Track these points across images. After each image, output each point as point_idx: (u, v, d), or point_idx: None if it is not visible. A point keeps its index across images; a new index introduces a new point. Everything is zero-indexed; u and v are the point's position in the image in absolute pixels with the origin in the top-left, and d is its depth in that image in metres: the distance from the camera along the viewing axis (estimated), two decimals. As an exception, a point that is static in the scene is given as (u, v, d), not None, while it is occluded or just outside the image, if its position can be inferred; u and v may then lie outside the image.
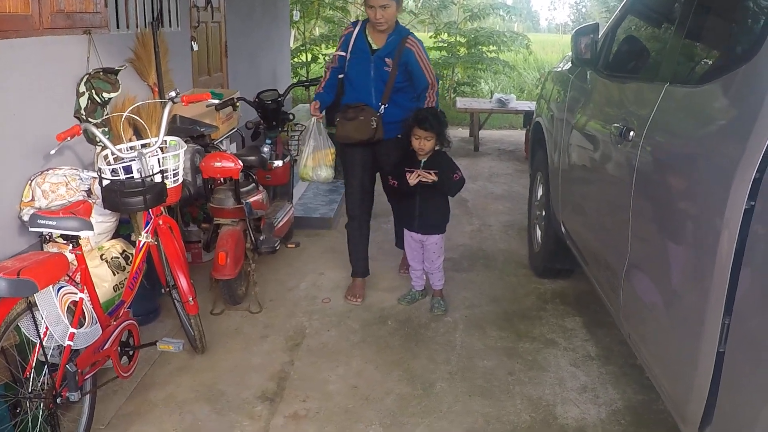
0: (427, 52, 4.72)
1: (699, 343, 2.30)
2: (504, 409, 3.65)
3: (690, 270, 2.50)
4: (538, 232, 5.48)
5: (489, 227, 6.69)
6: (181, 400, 3.69)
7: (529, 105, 10.41)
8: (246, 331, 4.44)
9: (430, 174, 4.40)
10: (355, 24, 4.73)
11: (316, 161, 4.80)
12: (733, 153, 2.19)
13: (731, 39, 2.83)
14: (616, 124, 3.31)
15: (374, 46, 4.61)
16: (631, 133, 3.08)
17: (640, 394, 3.77)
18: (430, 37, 15.92)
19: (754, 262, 2.07)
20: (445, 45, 15.41)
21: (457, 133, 11.81)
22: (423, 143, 4.47)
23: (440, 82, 16.21)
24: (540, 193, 5.48)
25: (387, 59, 4.55)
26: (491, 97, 11.85)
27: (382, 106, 4.60)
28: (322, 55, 14.62)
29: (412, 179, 4.40)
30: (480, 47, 15.09)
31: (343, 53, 4.66)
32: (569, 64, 4.87)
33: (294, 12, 13.68)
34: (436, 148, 4.55)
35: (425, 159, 4.53)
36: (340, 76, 4.70)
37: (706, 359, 2.26)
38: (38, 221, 3.06)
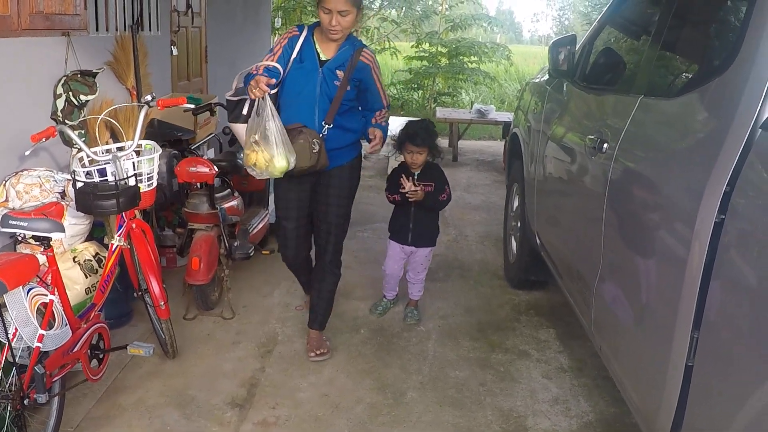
0: (380, 71, 4.05)
1: (668, 356, 2.31)
2: (475, 420, 3.64)
3: (660, 283, 2.51)
4: (514, 244, 5.50)
5: (465, 237, 6.70)
6: (151, 405, 3.66)
7: (509, 116, 10.44)
8: (218, 336, 4.42)
9: (420, 189, 4.41)
10: (300, 28, 3.92)
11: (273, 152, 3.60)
12: (704, 166, 2.21)
13: (705, 52, 2.86)
14: (591, 136, 3.33)
15: (323, 56, 3.86)
16: (605, 145, 3.10)
17: (613, 407, 3.78)
18: (412, 46, 15.99)
19: (724, 275, 2.08)
20: (427, 55, 15.45)
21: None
22: (415, 157, 4.44)
23: (420, 92, 16.28)
24: (516, 204, 5.49)
25: (338, 71, 3.82)
26: (471, 108, 11.88)
27: (326, 127, 3.84)
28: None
29: (409, 186, 4.36)
30: (461, 57, 15.15)
31: (279, 66, 3.81)
32: (547, 76, 4.89)
33: (276, 18, 13.70)
34: (428, 159, 4.53)
35: (419, 171, 4.52)
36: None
37: (674, 372, 2.27)
38: (10, 222, 3.04)
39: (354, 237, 6.32)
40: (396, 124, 10.07)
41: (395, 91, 16.42)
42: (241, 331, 4.49)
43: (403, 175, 4.43)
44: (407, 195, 4.40)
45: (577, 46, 4.24)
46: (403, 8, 15.47)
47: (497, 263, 5.97)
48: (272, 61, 3.82)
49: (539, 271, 4.86)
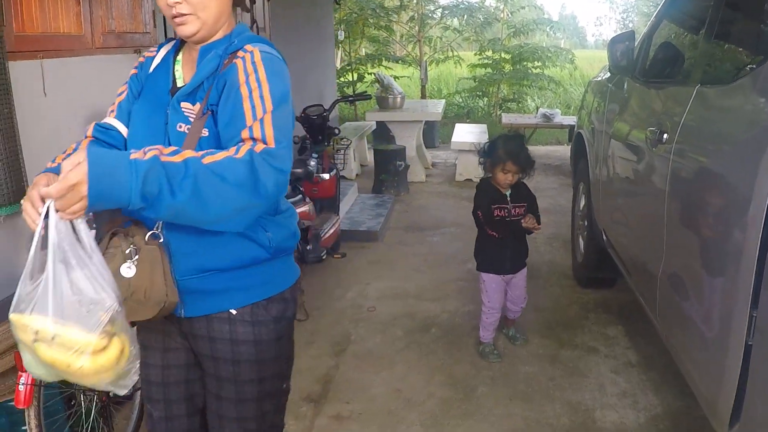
0: (282, 80, 1.90)
1: (728, 336, 2.33)
2: (544, 413, 3.70)
3: (719, 263, 2.53)
4: (581, 243, 5.52)
5: (534, 240, 6.68)
6: (230, 402, 3.79)
7: (575, 120, 10.41)
8: (293, 336, 4.52)
9: (530, 221, 4.12)
10: (160, 47, 2.17)
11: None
12: (757, 147, 2.23)
13: (756, 36, 2.87)
14: (651, 128, 3.36)
15: (180, 82, 2.06)
16: (665, 135, 3.14)
17: (680, 401, 3.79)
18: (475, 54, 16.00)
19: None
20: (490, 62, 15.48)
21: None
22: (512, 177, 4.10)
23: (486, 99, 16.23)
24: (582, 203, 5.52)
25: (185, 104, 1.95)
26: (536, 113, 11.87)
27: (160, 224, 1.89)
28: (368, 73, 14.81)
29: (533, 225, 4.13)
30: (525, 63, 15.14)
31: (117, 123, 2.12)
32: (608, 74, 4.92)
33: (339, 32, 13.86)
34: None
35: (509, 192, 4.19)
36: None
37: (734, 352, 2.29)
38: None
39: (423, 241, 6.48)
40: (463, 131, 10.05)
41: (460, 100, 16.48)
42: (315, 331, 4.62)
43: (527, 218, 4.13)
44: (530, 232, 4.19)
45: (636, 42, 4.27)
46: (465, 16, 15.48)
47: (566, 264, 6.01)
48: (111, 112, 2.15)
49: (607, 269, 4.86)
